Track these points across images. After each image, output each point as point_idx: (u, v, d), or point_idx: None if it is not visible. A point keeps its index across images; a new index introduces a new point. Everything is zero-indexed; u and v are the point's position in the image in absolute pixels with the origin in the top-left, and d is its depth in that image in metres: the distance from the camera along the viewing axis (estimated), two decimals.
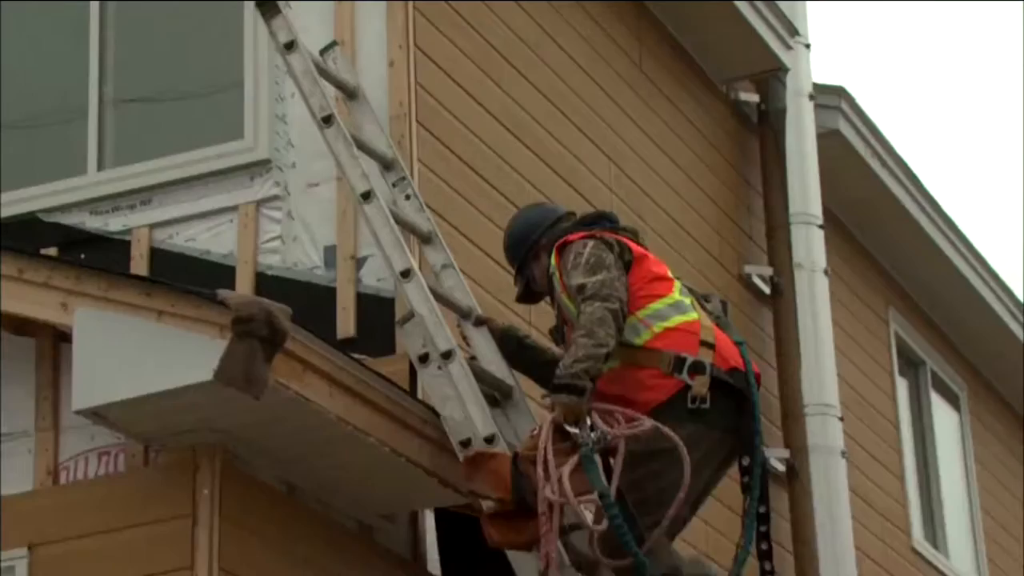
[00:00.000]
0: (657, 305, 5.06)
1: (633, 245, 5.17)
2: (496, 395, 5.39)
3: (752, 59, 8.07)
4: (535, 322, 6.07)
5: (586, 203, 6.91)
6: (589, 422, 4.82)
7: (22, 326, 5.23)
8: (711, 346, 5.02)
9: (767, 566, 5.13)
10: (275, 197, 5.90)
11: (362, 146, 5.54)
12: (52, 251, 6.00)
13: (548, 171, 6.66)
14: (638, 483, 4.88)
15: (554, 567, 4.71)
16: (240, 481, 5.01)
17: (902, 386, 9.54)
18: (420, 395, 5.40)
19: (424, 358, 5.24)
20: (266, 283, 5.79)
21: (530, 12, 6.73)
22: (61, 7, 6.44)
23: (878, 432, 8.98)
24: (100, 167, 6.17)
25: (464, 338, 5.50)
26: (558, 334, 5.31)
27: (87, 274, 4.93)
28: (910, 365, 9.76)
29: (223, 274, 5.83)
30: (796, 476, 7.75)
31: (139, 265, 5.93)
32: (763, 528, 5.10)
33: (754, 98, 8.24)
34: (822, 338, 7.95)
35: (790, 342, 7.94)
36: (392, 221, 5.33)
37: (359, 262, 5.72)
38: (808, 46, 8.30)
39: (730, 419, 5.02)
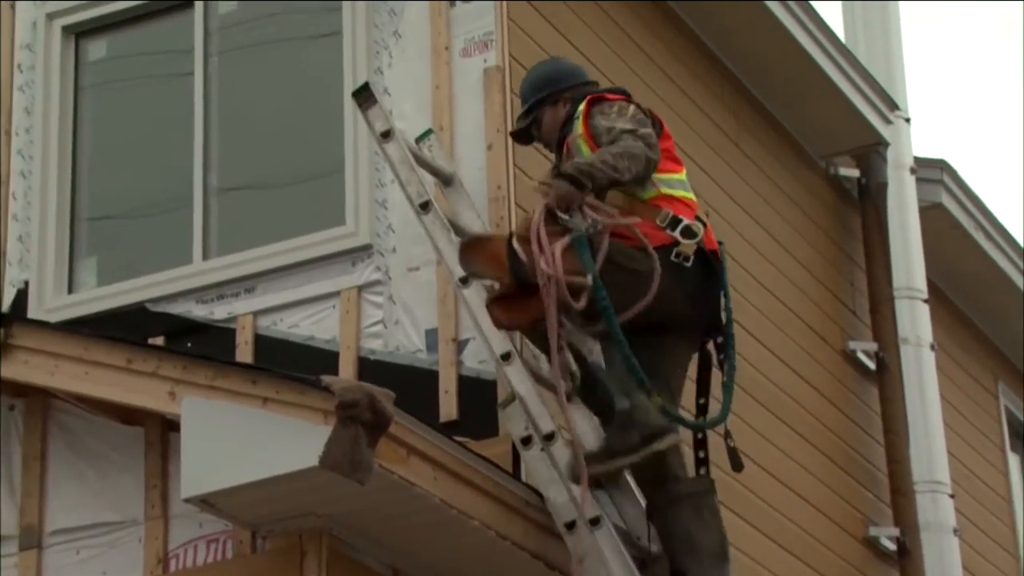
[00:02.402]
0: (668, 176, 5.34)
1: (660, 119, 5.43)
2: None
3: (852, 134, 8.04)
4: None
5: None
6: (580, 215, 5.09)
7: (131, 416, 5.30)
8: (704, 224, 5.29)
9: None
10: (376, 282, 5.94)
11: (459, 231, 5.58)
12: (159, 340, 6.08)
13: None
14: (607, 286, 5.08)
15: (554, 342, 4.98)
16: (346, 566, 5.01)
17: (1014, 461, 9.37)
18: (524, 477, 5.38)
19: (527, 440, 5.24)
20: (369, 368, 5.82)
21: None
22: (166, 99, 6.57)
23: (991, 509, 8.82)
24: (205, 256, 6.25)
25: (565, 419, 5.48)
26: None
27: (194, 363, 4.98)
28: (1021, 439, 9.59)
29: (326, 359, 5.87)
30: (908, 555, 7.62)
31: (244, 352, 5.99)
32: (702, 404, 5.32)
33: (854, 173, 8.20)
34: (930, 414, 7.84)
35: (898, 419, 7.84)
36: None
37: (460, 345, 5.74)
38: (908, 120, 8.26)
39: (700, 289, 5.24)
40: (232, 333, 6.06)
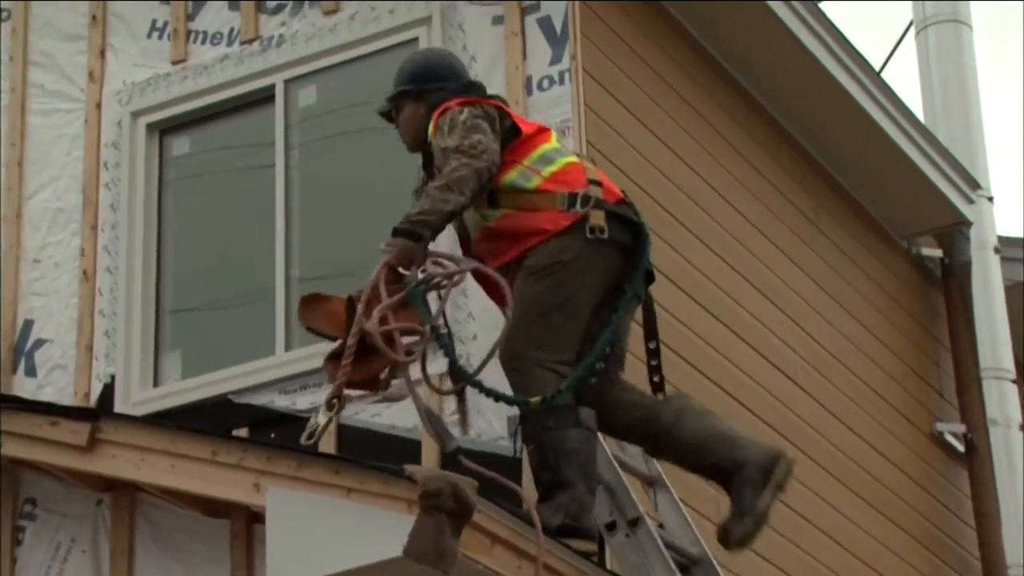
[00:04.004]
0: (539, 151, 5.22)
1: (509, 109, 5.30)
2: (686, 561, 5.31)
3: (934, 214, 7.99)
4: None
5: (770, 365, 6.85)
6: (422, 268, 5.06)
7: (216, 508, 5.31)
8: (598, 183, 5.19)
9: (655, 378, 5.34)
10: None
11: None
12: (243, 432, 6.11)
13: (727, 332, 6.62)
14: (541, 295, 5.07)
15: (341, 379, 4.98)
16: None
17: None
18: (609, 564, 5.34)
19: (612, 526, 5.20)
20: (451, 456, 5.81)
21: (702, 175, 6.76)
22: (248, 192, 6.64)
23: None
24: (288, 347, 6.29)
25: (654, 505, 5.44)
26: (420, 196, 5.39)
27: (278, 454, 5.00)
28: None
29: (409, 448, 5.87)
30: None
31: (327, 442, 6.00)
32: (652, 348, 5.33)
33: (937, 253, 8.13)
34: (1022, 496, 7.71)
35: (988, 501, 7.71)
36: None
37: None
38: (991, 199, 8.20)
39: (626, 242, 5.17)
40: None
